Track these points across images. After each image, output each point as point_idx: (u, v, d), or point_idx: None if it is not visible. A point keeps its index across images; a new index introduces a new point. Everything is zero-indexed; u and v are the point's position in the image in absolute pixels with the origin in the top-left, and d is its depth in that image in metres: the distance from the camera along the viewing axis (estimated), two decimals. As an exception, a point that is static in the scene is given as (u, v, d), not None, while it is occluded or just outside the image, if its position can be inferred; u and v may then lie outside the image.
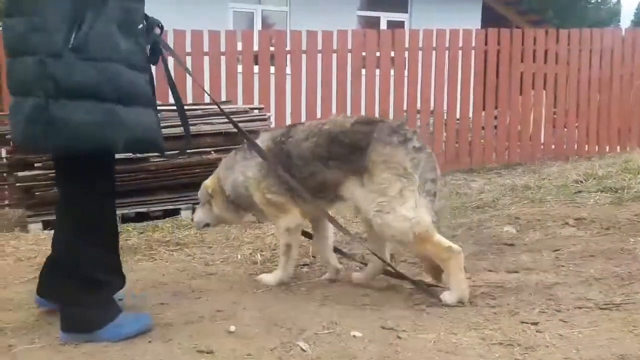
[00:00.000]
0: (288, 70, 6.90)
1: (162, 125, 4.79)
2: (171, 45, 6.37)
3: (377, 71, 7.10)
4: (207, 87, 6.52)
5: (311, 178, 2.77)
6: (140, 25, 2.34)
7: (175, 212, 5.01)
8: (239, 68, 6.73)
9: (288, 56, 6.88)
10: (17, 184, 4.69)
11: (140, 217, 4.93)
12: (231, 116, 5.59)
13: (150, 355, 2.17)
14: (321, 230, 3.16)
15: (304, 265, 3.42)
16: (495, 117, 7.59)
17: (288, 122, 6.80)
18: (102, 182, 2.38)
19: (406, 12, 11.68)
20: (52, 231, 2.60)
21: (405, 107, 7.19)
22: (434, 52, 7.23)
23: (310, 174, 2.77)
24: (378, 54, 7.11)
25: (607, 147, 7.85)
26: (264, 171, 2.89)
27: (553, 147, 7.73)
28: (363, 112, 6.99)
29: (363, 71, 7.06)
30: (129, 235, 4.34)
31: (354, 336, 2.30)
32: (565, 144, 7.78)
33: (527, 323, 2.37)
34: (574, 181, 5.40)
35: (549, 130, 7.74)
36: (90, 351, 2.23)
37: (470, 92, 7.41)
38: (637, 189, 4.77)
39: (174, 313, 2.65)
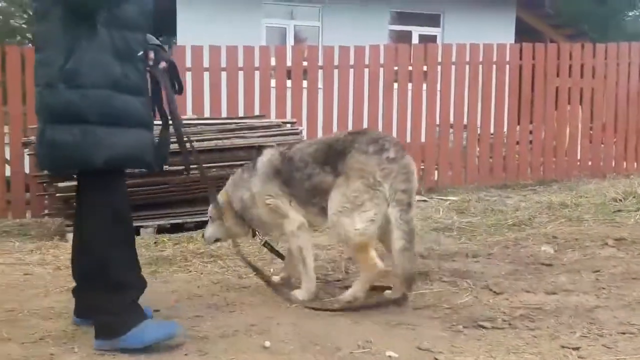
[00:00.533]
0: (320, 85, 6.92)
1: (197, 138, 4.95)
2: (206, 61, 6.52)
3: (410, 85, 7.07)
4: (240, 102, 6.61)
5: (308, 180, 2.93)
6: (140, 52, 2.49)
7: (209, 224, 5.05)
8: (272, 82, 6.79)
9: (320, 71, 6.91)
10: (57, 194, 4.79)
11: (175, 229, 4.98)
12: (264, 130, 5.69)
13: (186, 369, 2.18)
14: None
15: (337, 281, 3.40)
16: (530, 132, 7.47)
17: (320, 136, 6.83)
18: (112, 196, 2.49)
19: (438, 26, 11.63)
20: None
21: (437, 122, 7.14)
22: (467, 66, 7.18)
23: (308, 175, 2.93)
24: (410, 68, 7.08)
25: (646, 164, 7.66)
26: (268, 179, 3.05)
27: (590, 163, 7.56)
28: (395, 127, 6.98)
29: (395, 85, 7.04)
30: (164, 247, 4.40)
31: (390, 357, 2.28)
32: (603, 160, 7.61)
33: (569, 348, 2.32)
34: (613, 199, 5.29)
35: (586, 146, 7.58)
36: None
37: (504, 106, 7.32)
38: (679, 208, 4.65)
39: (209, 326, 2.67)
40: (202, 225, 4.99)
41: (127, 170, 2.67)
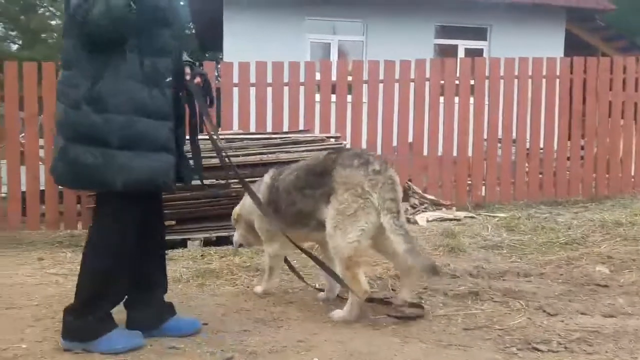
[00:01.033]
0: (365, 99, 6.90)
1: (242, 152, 5.01)
2: (253, 77, 6.60)
3: (457, 99, 6.98)
4: (285, 116, 6.66)
5: (292, 206, 3.10)
6: (169, 79, 2.57)
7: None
8: (317, 97, 6.81)
9: (365, 85, 6.90)
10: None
11: (221, 241, 5.03)
12: (308, 144, 5.71)
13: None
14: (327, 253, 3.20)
15: (384, 298, 3.35)
16: (582, 147, 7.27)
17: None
18: (125, 214, 2.58)
19: (485, 39, 11.51)
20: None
21: (485, 137, 7.02)
22: (516, 80, 7.05)
23: (291, 202, 3.10)
24: (457, 82, 7.00)
25: None
26: (264, 200, 3.21)
27: (644, 180, 7.31)
28: (441, 141, 6.89)
29: (441, 99, 6.96)
30: (211, 259, 4.43)
31: (442, 378, 2.23)
32: (658, 177, 7.33)
33: (630, 374, 2.22)
34: (670, 218, 5.07)
35: (640, 162, 7.33)
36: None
37: (554, 121, 7.15)
38: None
39: (258, 341, 2.67)
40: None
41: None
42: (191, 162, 2.84)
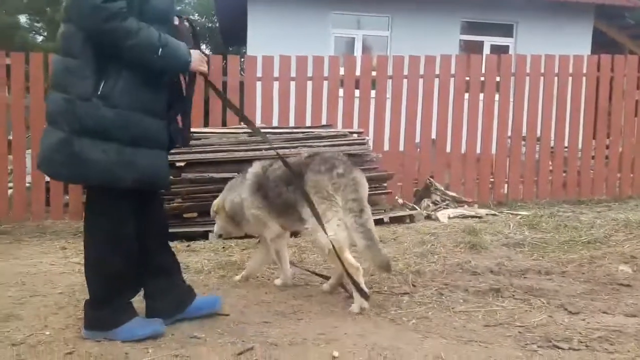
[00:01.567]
0: (388, 95, 6.88)
1: (264, 146, 5.04)
2: (276, 71, 6.62)
3: (481, 96, 6.93)
4: (308, 111, 6.67)
5: (279, 197, 3.33)
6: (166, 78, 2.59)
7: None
8: (340, 92, 6.80)
9: (389, 81, 6.88)
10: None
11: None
12: (331, 139, 5.72)
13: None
14: None
15: (404, 294, 3.35)
16: (607, 147, 7.17)
17: (386, 146, 6.79)
18: (121, 206, 2.58)
19: (511, 36, 11.38)
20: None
21: (509, 134, 6.95)
22: (542, 78, 6.97)
23: (278, 193, 3.33)
24: (482, 79, 6.94)
25: None
26: (253, 192, 3.45)
27: (671, 180, 7.18)
28: (464, 138, 6.85)
29: (466, 96, 6.91)
30: (232, 252, 4.47)
31: (463, 374, 2.23)
32: (685, 177, 7.20)
33: (652, 374, 2.19)
34: (696, 219, 4.99)
35: (667, 162, 7.20)
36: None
37: (580, 119, 7.06)
38: None
39: (278, 333, 2.69)
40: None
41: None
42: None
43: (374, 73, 6.92)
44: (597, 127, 7.14)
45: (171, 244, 3.05)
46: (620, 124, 7.16)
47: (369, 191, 5.49)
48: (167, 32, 2.51)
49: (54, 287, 3.56)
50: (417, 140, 6.86)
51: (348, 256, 3.06)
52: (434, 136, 6.86)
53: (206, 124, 6.50)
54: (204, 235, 5.08)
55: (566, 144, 7.06)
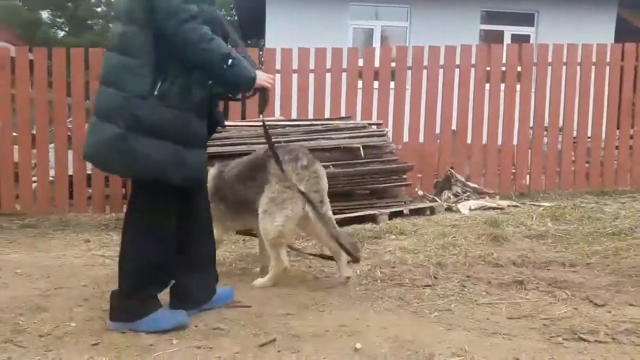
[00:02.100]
0: (408, 86, 6.83)
1: (284, 139, 5.07)
2: (295, 63, 6.60)
3: (502, 86, 6.85)
4: (327, 103, 6.64)
5: (236, 195, 3.47)
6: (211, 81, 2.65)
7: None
8: (359, 84, 6.77)
9: (409, 72, 6.82)
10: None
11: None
12: (350, 131, 5.69)
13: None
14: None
15: (426, 286, 3.34)
16: (631, 137, 7.04)
17: (406, 138, 6.75)
18: (166, 201, 2.65)
19: (532, 25, 11.22)
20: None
21: (531, 124, 6.87)
22: (564, 67, 6.87)
23: (235, 192, 3.48)
24: (503, 69, 6.86)
25: None
26: (212, 194, 3.42)
27: (697, 171, 7.03)
28: (486, 128, 6.77)
29: (487, 86, 6.83)
30: (253, 244, 4.47)
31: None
32: None
33: (681, 367, 2.15)
34: None
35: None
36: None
37: (603, 109, 6.94)
38: None
39: (300, 324, 2.69)
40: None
41: None
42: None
43: (393, 64, 6.87)
44: (620, 117, 7.02)
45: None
46: (645, 113, 7.03)
47: (389, 183, 5.57)
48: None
49: (78, 279, 3.61)
50: (437, 131, 6.80)
51: (283, 255, 3.31)
52: (454, 127, 6.80)
53: (225, 117, 6.51)
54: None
55: (589, 134, 6.95)
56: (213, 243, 2.98)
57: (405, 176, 5.82)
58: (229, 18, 20.44)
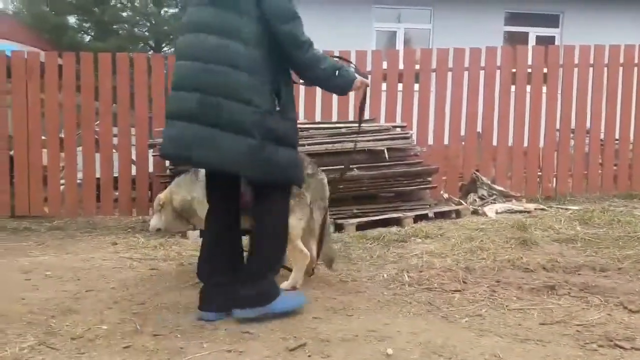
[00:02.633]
0: (432, 88, 6.79)
1: (308, 142, 5.09)
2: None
3: (528, 88, 6.77)
4: (351, 106, 6.63)
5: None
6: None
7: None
8: (383, 86, 6.75)
9: (433, 74, 6.78)
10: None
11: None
12: (374, 134, 5.68)
13: (311, 371, 2.20)
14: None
15: (455, 291, 3.30)
16: (661, 139, 6.91)
17: (430, 140, 6.71)
18: (289, 199, 3.05)
19: (557, 26, 11.08)
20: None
21: (557, 126, 6.78)
22: (591, 68, 6.77)
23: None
24: (529, 70, 6.79)
25: None
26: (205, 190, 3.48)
27: None
28: (511, 131, 6.71)
29: (512, 88, 6.76)
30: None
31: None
32: None
33: None
34: None
35: None
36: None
37: (631, 111, 6.83)
38: None
39: (329, 328, 2.68)
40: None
41: None
42: None
43: (417, 66, 6.84)
44: (650, 119, 6.90)
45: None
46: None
47: (414, 185, 5.54)
48: None
49: (107, 282, 3.65)
50: (462, 133, 6.75)
51: (301, 245, 3.36)
52: (479, 129, 6.74)
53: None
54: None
55: (617, 137, 6.84)
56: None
57: (430, 179, 5.79)
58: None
